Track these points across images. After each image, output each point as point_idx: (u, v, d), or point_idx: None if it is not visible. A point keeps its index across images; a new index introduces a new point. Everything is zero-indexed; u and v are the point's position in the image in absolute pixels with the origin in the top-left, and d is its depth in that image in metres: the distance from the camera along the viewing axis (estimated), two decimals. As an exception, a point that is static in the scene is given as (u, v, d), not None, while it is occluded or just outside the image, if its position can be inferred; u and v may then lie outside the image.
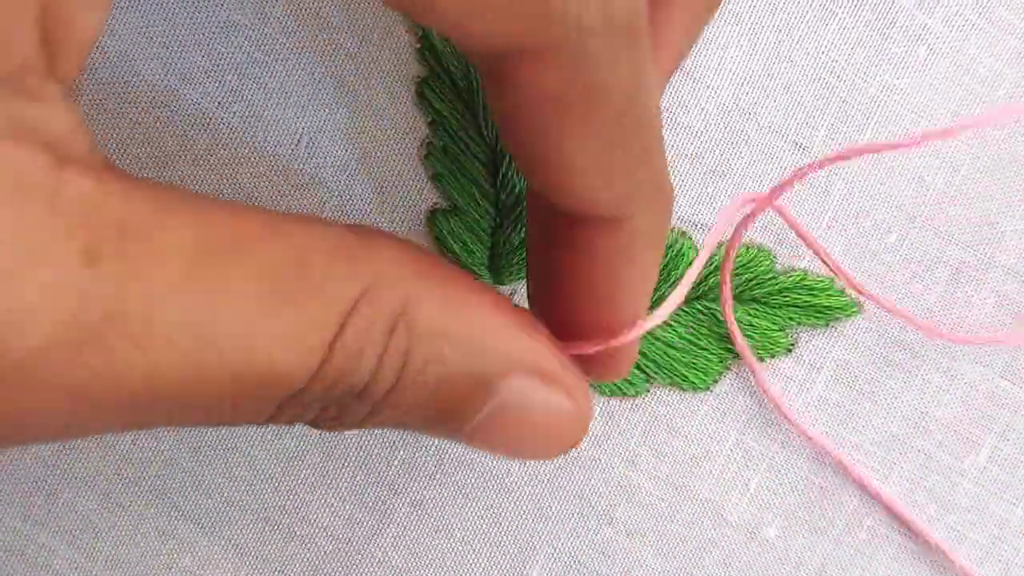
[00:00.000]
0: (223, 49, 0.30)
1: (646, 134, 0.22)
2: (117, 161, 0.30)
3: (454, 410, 0.22)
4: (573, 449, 0.24)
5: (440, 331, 0.21)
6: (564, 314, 0.24)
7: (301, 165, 0.30)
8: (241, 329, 0.18)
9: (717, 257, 0.31)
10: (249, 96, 0.30)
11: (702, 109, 0.30)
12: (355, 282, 0.20)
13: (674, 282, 0.31)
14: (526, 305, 0.26)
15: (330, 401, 0.20)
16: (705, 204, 0.31)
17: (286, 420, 0.20)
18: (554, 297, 0.24)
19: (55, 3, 0.16)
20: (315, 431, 0.31)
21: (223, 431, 0.31)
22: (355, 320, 0.20)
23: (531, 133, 0.21)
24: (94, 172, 0.17)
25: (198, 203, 0.19)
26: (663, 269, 0.31)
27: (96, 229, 0.17)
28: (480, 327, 0.21)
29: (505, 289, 0.31)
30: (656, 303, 0.31)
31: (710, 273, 0.31)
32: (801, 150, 0.30)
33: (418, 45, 0.30)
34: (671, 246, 0.31)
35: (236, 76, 0.30)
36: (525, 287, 0.31)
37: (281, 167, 0.30)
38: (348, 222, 0.30)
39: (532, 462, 0.31)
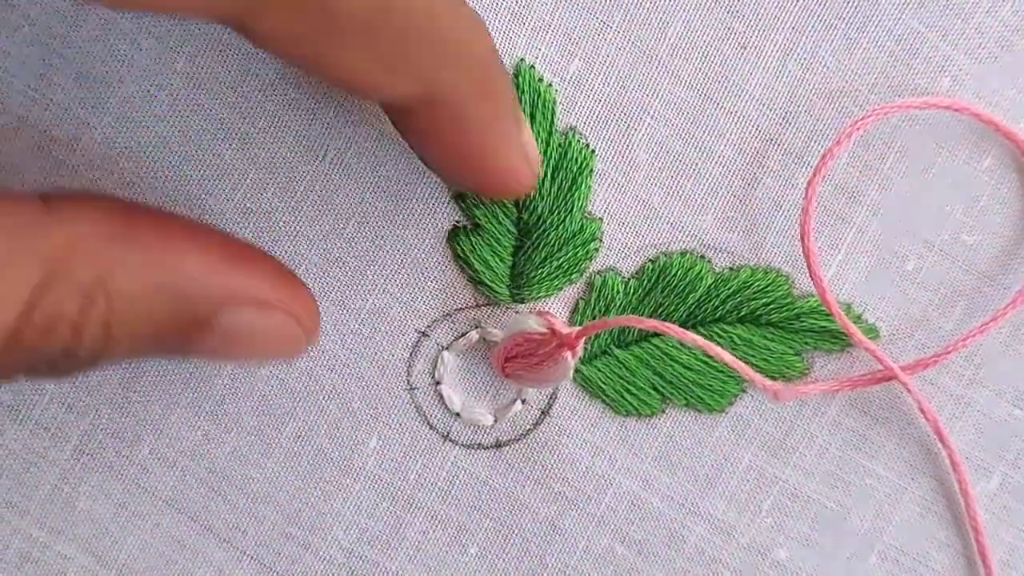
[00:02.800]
0: (250, 64, 0.30)
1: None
2: (138, 170, 0.30)
3: (180, 343, 0.24)
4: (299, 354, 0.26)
5: (145, 289, 0.23)
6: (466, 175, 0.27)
7: (325, 180, 0.30)
8: None
9: (736, 281, 0.31)
10: (274, 110, 0.30)
11: (725, 134, 0.30)
12: (38, 261, 0.21)
13: (691, 303, 0.31)
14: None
15: (35, 364, 0.22)
16: (727, 229, 0.31)
17: None
18: (446, 172, 0.28)
19: None
20: (328, 446, 0.32)
21: (240, 442, 0.31)
22: (44, 298, 0.21)
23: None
24: None
25: None
26: (681, 290, 0.31)
27: None
28: (189, 272, 0.23)
29: (525, 308, 0.31)
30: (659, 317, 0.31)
31: (728, 296, 0.31)
32: (821, 177, 0.31)
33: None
34: (690, 269, 0.31)
35: (262, 91, 0.30)
36: (546, 305, 0.31)
37: (306, 181, 0.30)
38: (368, 235, 0.30)
39: (550, 481, 0.32)
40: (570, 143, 0.30)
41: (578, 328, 0.29)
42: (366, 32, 0.22)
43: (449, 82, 0.24)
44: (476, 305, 0.31)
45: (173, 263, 0.23)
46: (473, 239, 0.31)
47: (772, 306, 0.31)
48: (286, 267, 0.26)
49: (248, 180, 0.30)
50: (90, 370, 0.23)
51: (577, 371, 0.31)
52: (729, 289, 0.31)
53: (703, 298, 0.31)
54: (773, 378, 0.31)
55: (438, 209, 0.31)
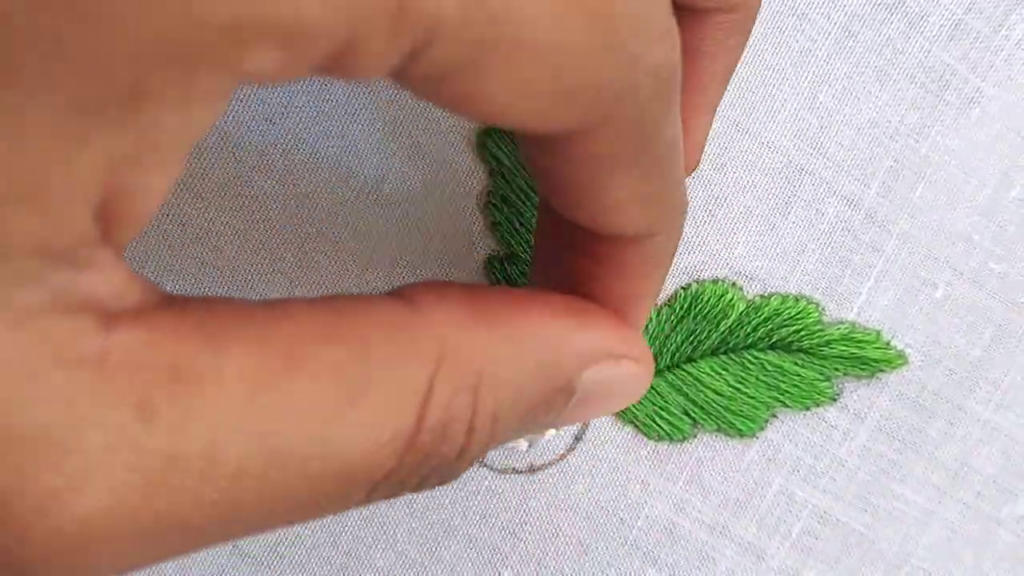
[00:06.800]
0: (287, 98, 0.30)
1: (678, 167, 0.22)
2: (179, 202, 0.30)
3: (541, 419, 0.23)
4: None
5: (519, 371, 0.21)
6: None
7: (360, 212, 0.31)
8: (313, 436, 0.18)
9: (767, 308, 0.31)
10: (312, 143, 0.30)
11: (756, 164, 0.31)
12: (423, 361, 0.20)
13: (723, 330, 0.31)
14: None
15: (429, 471, 0.20)
16: (757, 256, 0.31)
17: (384, 497, 0.20)
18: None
19: (119, 174, 0.15)
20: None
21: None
22: (435, 399, 0.19)
23: (576, 185, 0.21)
24: (144, 321, 0.17)
25: (250, 320, 0.18)
26: (713, 317, 0.31)
27: (147, 382, 0.17)
28: (551, 343, 0.22)
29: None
30: (707, 351, 0.32)
31: (760, 323, 0.31)
32: (851, 206, 0.31)
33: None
34: (722, 296, 0.31)
35: (299, 124, 0.30)
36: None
37: (342, 214, 0.31)
38: (405, 267, 0.31)
39: (583, 506, 0.32)
40: (604, 174, 0.31)
41: None
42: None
43: (673, 217, 0.24)
44: (511, 332, 0.32)
45: (535, 337, 0.22)
46: (509, 268, 0.31)
47: (803, 333, 0.31)
48: (613, 311, 0.24)
49: (285, 214, 0.31)
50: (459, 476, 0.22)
51: (610, 397, 0.32)
52: (760, 316, 0.31)
53: (735, 325, 0.31)
54: (804, 406, 0.32)
55: (475, 240, 0.31)
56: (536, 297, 0.22)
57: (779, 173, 0.31)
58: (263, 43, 0.15)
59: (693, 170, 0.27)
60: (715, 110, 0.27)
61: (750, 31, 0.25)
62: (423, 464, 0.20)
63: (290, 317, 0.19)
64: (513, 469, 0.32)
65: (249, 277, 0.31)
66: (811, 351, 0.32)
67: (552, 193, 0.22)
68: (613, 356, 0.23)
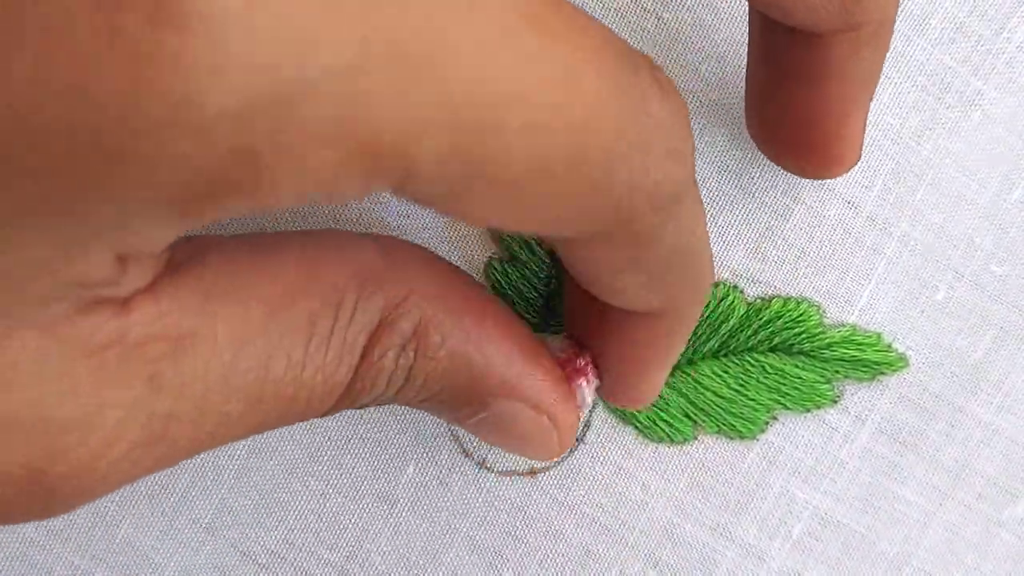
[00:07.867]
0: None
1: (687, 264, 0.23)
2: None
3: (448, 409, 0.25)
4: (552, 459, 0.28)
5: (448, 355, 0.23)
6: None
7: (364, 211, 0.31)
8: (284, 382, 0.22)
9: (768, 311, 0.31)
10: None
11: (758, 166, 0.31)
12: (376, 313, 0.22)
13: (724, 333, 0.31)
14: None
15: (344, 409, 0.24)
16: (759, 260, 0.31)
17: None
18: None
19: (126, 247, 0.18)
20: (366, 474, 0.32)
21: (278, 470, 0.32)
22: (374, 350, 0.22)
23: (582, 271, 0.23)
24: (153, 295, 0.20)
25: (239, 276, 0.21)
26: (714, 320, 0.31)
27: (156, 356, 0.20)
28: (485, 353, 0.24)
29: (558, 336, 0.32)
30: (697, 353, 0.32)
31: (761, 326, 0.31)
32: (853, 208, 0.31)
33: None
34: (723, 299, 0.31)
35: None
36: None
37: (345, 212, 0.31)
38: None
39: (584, 507, 0.32)
40: (605, 177, 0.31)
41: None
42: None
43: (686, 305, 0.24)
44: (511, 335, 0.32)
45: (479, 339, 0.24)
46: (509, 271, 0.31)
47: (803, 335, 0.31)
48: (565, 377, 0.26)
49: (291, 210, 0.31)
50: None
51: (611, 399, 0.32)
52: (761, 319, 0.31)
53: (736, 328, 0.31)
54: (804, 408, 0.32)
55: (474, 241, 0.31)
56: (504, 316, 0.25)
57: (780, 177, 0.31)
58: (238, 192, 0.16)
59: (853, 164, 0.27)
60: (866, 110, 0.26)
61: (886, 39, 0.24)
62: (344, 407, 0.23)
63: (275, 272, 0.21)
64: (514, 471, 0.32)
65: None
66: (812, 354, 0.32)
67: (564, 264, 0.23)
68: (536, 405, 0.25)
